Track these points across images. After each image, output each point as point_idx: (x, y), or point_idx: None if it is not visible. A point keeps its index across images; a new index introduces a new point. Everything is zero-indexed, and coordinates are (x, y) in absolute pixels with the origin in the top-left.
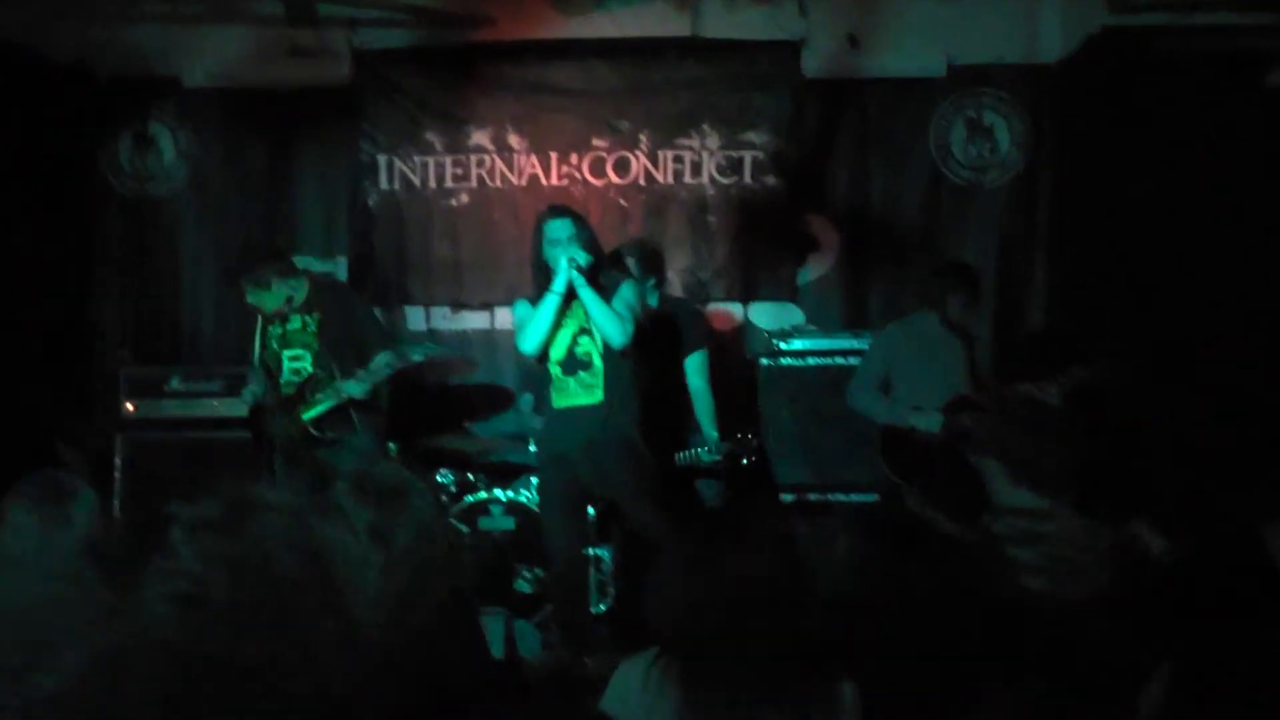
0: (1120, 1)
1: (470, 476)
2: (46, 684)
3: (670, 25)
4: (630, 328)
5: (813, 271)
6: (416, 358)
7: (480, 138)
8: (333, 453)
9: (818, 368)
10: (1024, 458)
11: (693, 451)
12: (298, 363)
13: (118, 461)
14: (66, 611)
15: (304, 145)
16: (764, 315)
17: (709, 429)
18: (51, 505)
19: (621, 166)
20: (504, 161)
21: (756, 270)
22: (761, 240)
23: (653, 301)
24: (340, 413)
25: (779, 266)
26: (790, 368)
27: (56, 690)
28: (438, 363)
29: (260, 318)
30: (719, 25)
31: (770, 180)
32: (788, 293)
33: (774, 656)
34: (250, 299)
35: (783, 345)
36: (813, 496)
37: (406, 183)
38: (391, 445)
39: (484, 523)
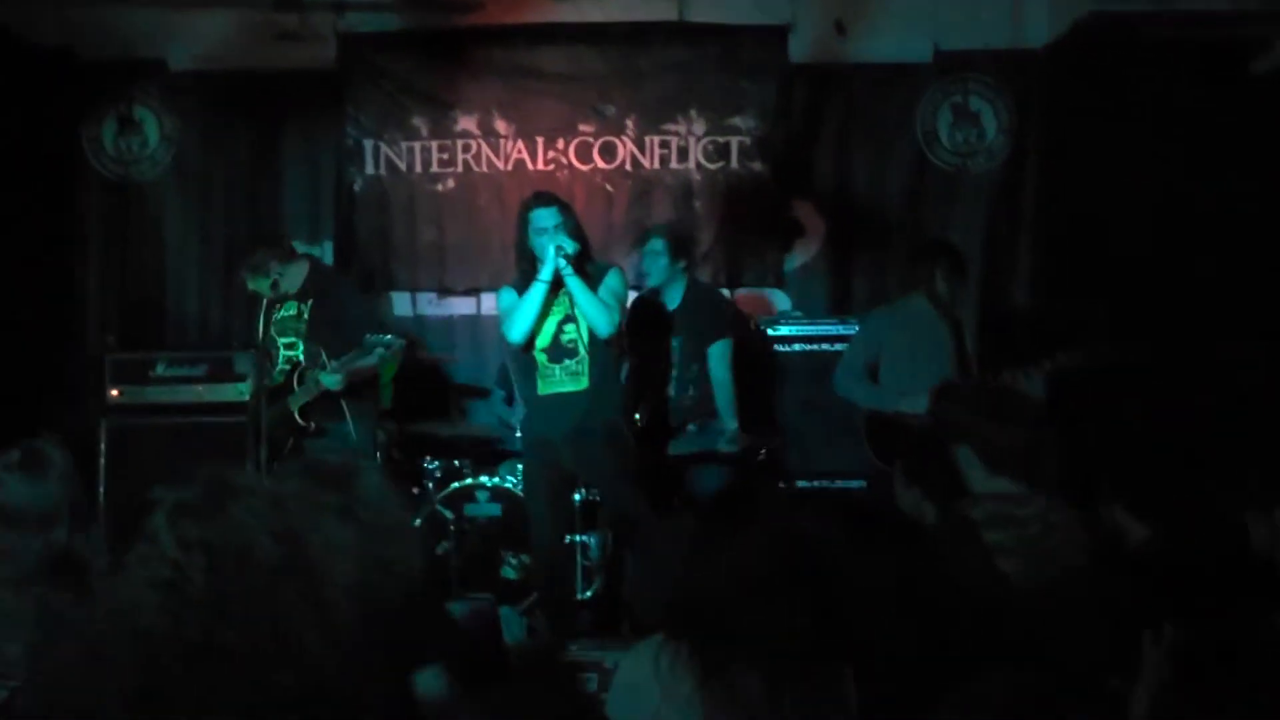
0: None
1: (456, 463)
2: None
3: (657, 10)
4: (617, 316)
5: (799, 257)
6: (371, 360)
7: (466, 123)
8: (317, 442)
9: (804, 354)
10: (1000, 446)
11: (708, 440)
12: (290, 350)
13: (102, 447)
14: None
15: (289, 129)
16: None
17: (728, 419)
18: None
19: (608, 151)
20: (490, 146)
21: (742, 256)
22: (747, 226)
23: (680, 285)
24: (330, 402)
25: (765, 252)
26: (777, 354)
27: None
28: (423, 356)
29: (263, 302)
30: (706, 10)
31: (756, 166)
32: (774, 279)
33: (779, 641)
34: (250, 285)
35: (769, 331)
36: (800, 484)
37: (392, 167)
38: (381, 433)
39: (470, 509)
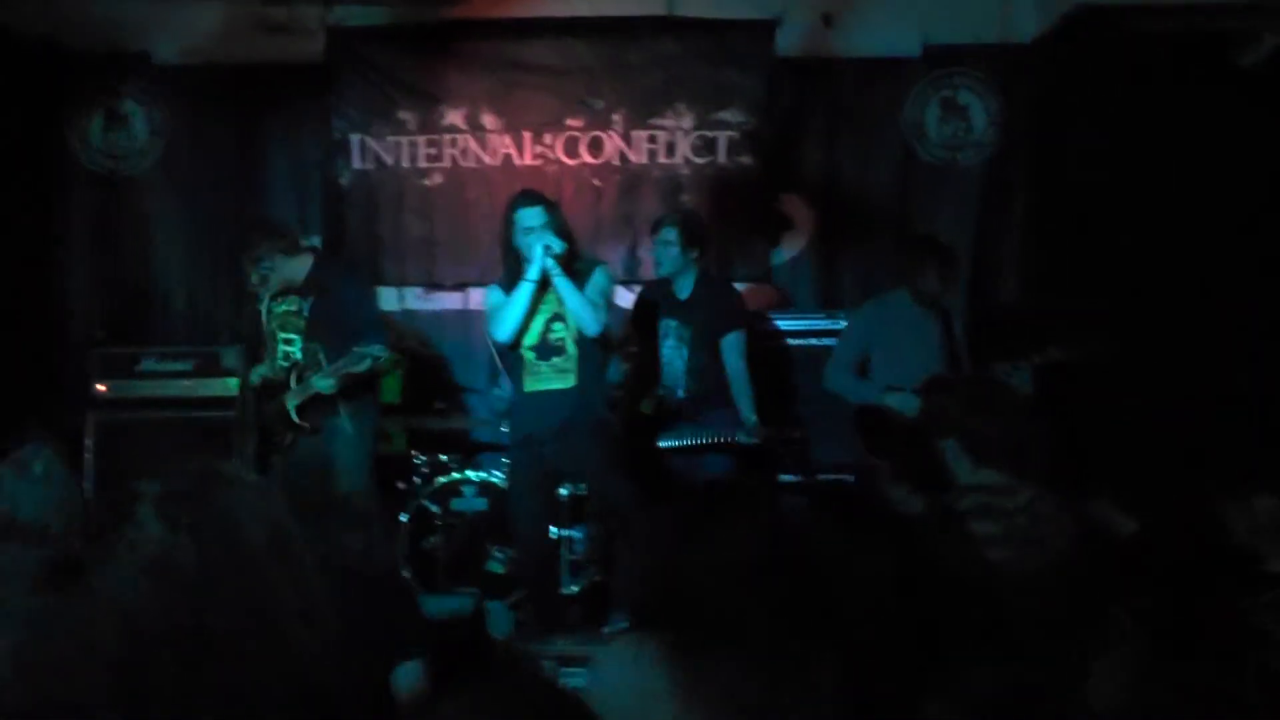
0: None
1: (443, 458)
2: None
3: (645, 3)
4: (604, 315)
5: (787, 251)
6: (360, 368)
7: (454, 117)
8: (310, 440)
9: (792, 348)
10: (986, 438)
11: (729, 432)
12: (289, 346)
13: (89, 442)
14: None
15: (276, 123)
16: None
17: (746, 412)
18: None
19: (595, 146)
20: (477, 141)
21: (731, 250)
22: (736, 220)
23: (692, 275)
24: (326, 400)
25: (753, 246)
26: (765, 348)
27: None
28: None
29: (264, 294)
30: (694, 4)
31: (745, 160)
32: (762, 273)
33: (755, 631)
34: (253, 277)
35: (780, 325)
36: (786, 477)
37: (379, 161)
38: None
39: (456, 504)
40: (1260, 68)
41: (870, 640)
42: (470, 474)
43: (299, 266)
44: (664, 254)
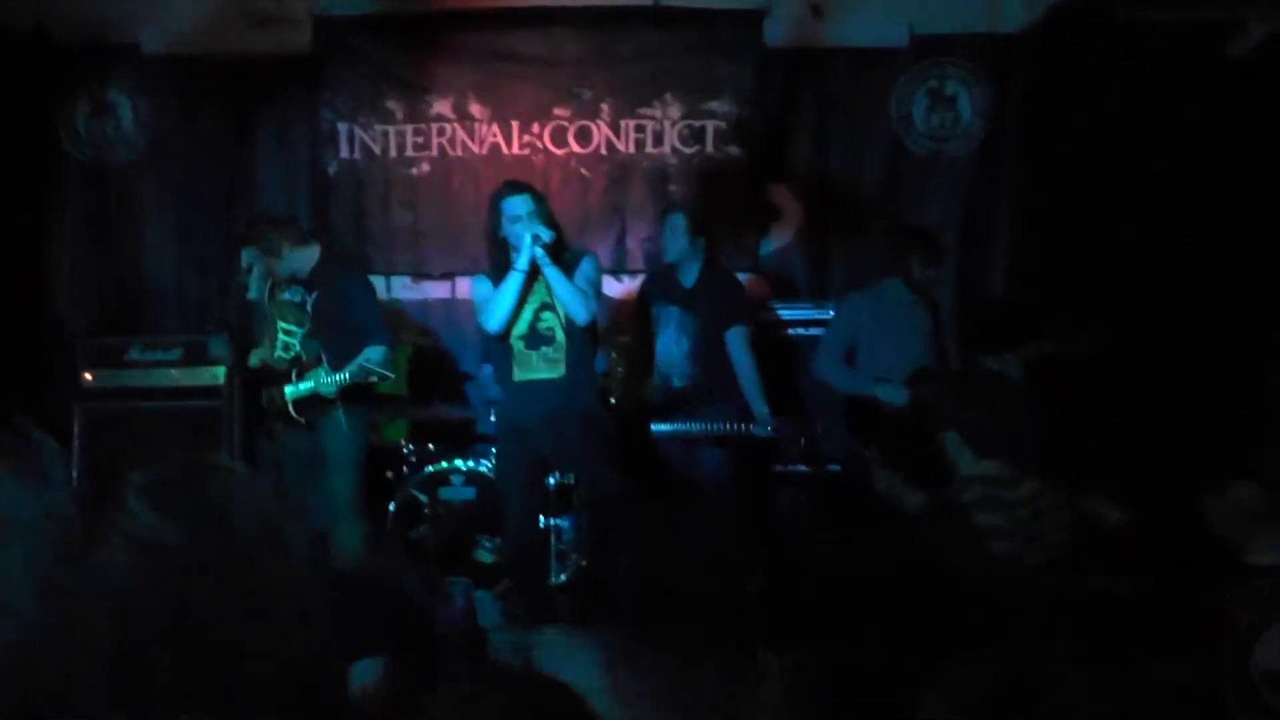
0: None
1: (431, 447)
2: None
3: None
4: (593, 304)
5: (775, 241)
6: (361, 379)
7: (441, 106)
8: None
9: (779, 338)
10: (987, 431)
11: (739, 425)
12: (290, 338)
13: (76, 431)
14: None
15: (264, 113)
16: None
17: (758, 405)
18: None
19: (583, 136)
20: (465, 130)
21: (719, 240)
22: (724, 210)
23: (697, 264)
24: (324, 397)
25: (741, 236)
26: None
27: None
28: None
29: (268, 281)
30: None
31: (732, 150)
32: (750, 263)
33: (703, 629)
34: (257, 268)
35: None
36: (794, 468)
37: (367, 151)
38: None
39: (444, 492)
40: (1248, 57)
41: (867, 635)
42: (459, 463)
43: (306, 258)
44: (671, 241)
